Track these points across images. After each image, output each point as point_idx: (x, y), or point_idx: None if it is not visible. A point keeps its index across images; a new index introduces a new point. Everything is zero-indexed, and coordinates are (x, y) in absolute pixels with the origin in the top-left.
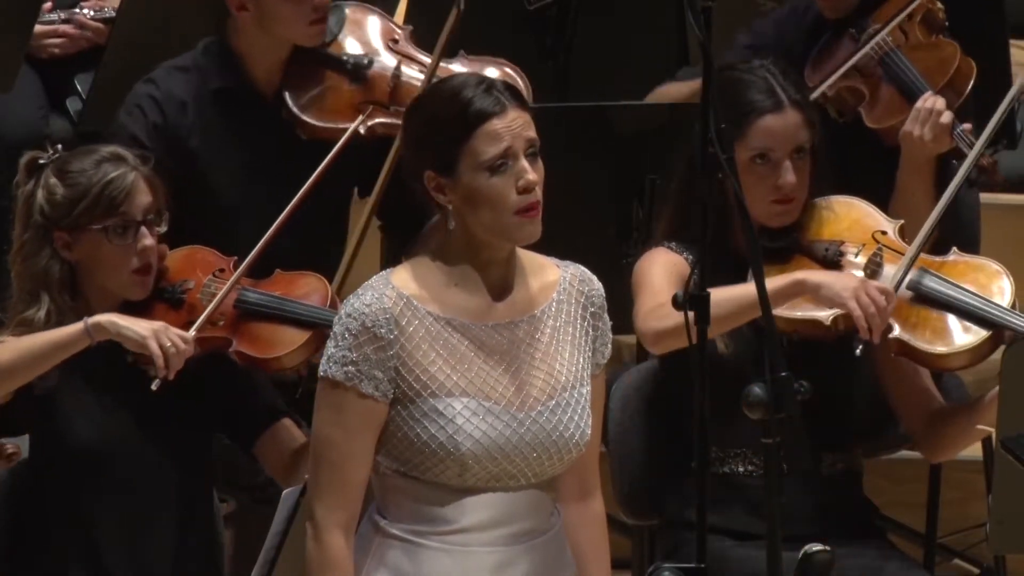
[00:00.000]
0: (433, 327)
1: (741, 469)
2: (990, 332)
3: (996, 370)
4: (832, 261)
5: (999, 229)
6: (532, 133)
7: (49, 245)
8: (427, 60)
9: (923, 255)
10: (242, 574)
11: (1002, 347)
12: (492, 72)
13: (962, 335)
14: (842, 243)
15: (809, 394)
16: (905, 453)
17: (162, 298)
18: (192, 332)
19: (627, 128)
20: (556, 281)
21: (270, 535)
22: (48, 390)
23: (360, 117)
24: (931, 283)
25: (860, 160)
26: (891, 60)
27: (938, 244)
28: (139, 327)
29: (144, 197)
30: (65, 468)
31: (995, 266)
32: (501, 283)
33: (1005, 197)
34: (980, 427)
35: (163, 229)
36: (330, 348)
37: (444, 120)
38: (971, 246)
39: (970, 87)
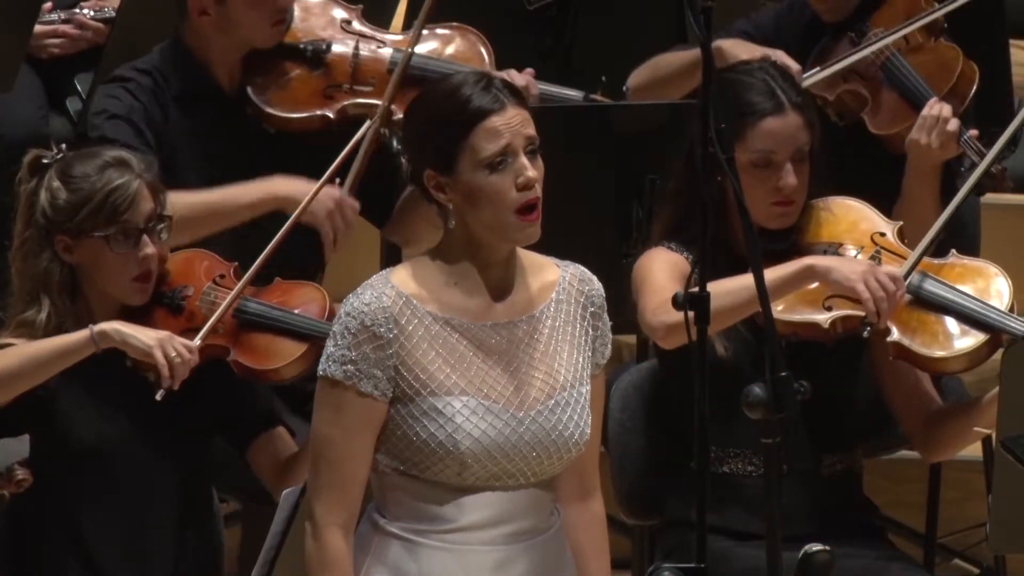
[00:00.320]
0: (432, 326)
1: (741, 469)
2: (988, 336)
3: (996, 371)
4: None
5: (999, 229)
6: (531, 130)
7: (50, 247)
8: (383, 37)
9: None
10: (242, 574)
11: (1000, 350)
12: (455, 40)
13: (960, 339)
14: (841, 245)
15: (809, 394)
16: (905, 453)
17: (161, 303)
18: (197, 341)
19: (627, 128)
20: (556, 281)
21: (270, 535)
22: (48, 391)
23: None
24: (930, 286)
25: (864, 165)
26: (893, 65)
27: (937, 246)
28: (145, 336)
29: (147, 204)
30: (65, 469)
31: (993, 269)
32: (501, 283)
33: (1005, 197)
34: (977, 429)
35: (165, 237)
36: (329, 347)
37: (443, 118)
38: (971, 248)
39: (973, 92)
